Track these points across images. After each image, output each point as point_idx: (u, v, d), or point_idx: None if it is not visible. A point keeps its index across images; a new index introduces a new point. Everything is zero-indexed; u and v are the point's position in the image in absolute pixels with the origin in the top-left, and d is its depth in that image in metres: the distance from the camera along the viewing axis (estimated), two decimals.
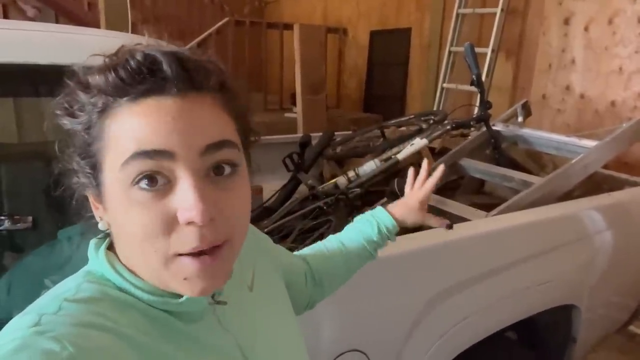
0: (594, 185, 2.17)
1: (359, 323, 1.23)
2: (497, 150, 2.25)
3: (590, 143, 2.07)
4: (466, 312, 1.42)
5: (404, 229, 1.02)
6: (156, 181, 0.46)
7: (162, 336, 0.50)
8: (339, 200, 1.78)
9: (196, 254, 0.47)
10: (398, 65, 5.40)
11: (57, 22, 6.33)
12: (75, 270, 0.54)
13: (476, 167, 2.10)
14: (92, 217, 0.54)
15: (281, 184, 2.13)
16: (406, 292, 1.30)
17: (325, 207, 1.74)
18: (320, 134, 2.45)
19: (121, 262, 0.52)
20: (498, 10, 3.82)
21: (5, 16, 5.96)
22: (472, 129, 2.37)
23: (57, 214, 1.06)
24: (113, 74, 0.46)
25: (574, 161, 1.89)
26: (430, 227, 1.07)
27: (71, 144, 0.50)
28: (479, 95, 2.27)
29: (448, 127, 2.15)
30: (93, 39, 1.07)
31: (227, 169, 0.49)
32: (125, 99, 0.46)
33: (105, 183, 0.48)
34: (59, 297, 0.47)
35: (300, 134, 2.89)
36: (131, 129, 0.46)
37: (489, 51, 3.82)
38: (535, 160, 2.50)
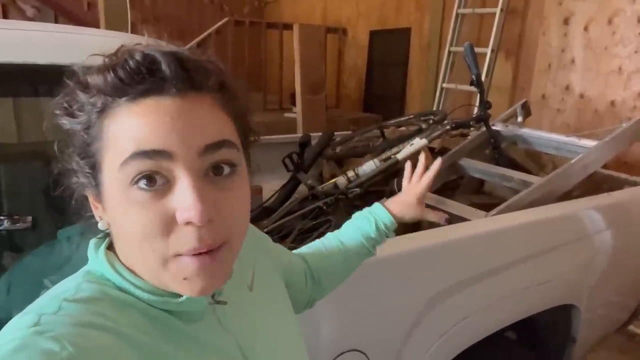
0: (593, 185, 2.17)
1: (359, 323, 1.23)
2: (497, 150, 2.25)
3: (590, 143, 2.07)
4: (466, 312, 1.42)
5: (405, 228, 1.02)
6: (155, 181, 0.46)
7: (162, 336, 0.50)
8: (339, 200, 1.78)
9: (196, 253, 0.47)
10: (398, 65, 5.41)
11: (56, 22, 6.33)
12: (75, 270, 0.54)
13: (476, 167, 2.10)
14: (92, 216, 0.54)
15: (281, 184, 2.13)
16: (406, 292, 1.30)
17: (324, 207, 1.74)
18: (320, 134, 2.44)
19: (121, 262, 0.52)
20: (498, 10, 3.82)
21: (5, 16, 5.96)
22: (472, 128, 2.36)
23: (57, 214, 1.06)
24: (112, 74, 0.46)
25: (573, 161, 1.89)
26: (429, 223, 1.07)
27: (70, 144, 0.51)
28: (478, 95, 2.27)
29: (448, 127, 2.15)
30: (92, 39, 1.07)
31: (226, 169, 0.49)
32: (124, 99, 0.46)
33: (105, 183, 0.48)
34: (58, 297, 0.47)
35: (299, 134, 2.88)
36: (130, 129, 0.46)
37: (488, 51, 3.82)
38: (535, 160, 2.50)
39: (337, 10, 6.26)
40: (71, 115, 0.49)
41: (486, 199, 2.29)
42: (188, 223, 0.46)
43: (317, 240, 0.96)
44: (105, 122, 0.47)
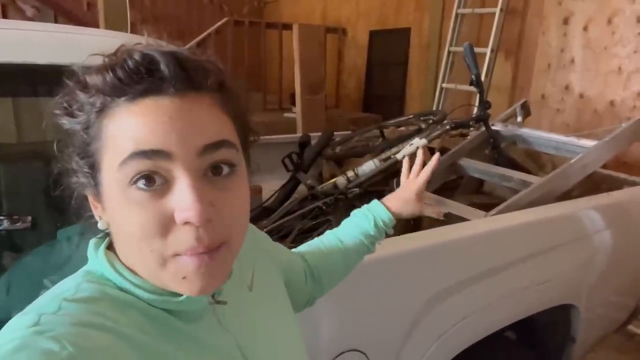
0: (592, 185, 2.17)
1: (359, 323, 1.23)
2: (496, 150, 2.25)
3: (589, 143, 2.07)
4: (465, 312, 1.42)
5: (405, 228, 1.02)
6: (154, 181, 0.46)
7: (162, 336, 0.50)
8: (338, 200, 1.78)
9: (194, 253, 0.47)
10: (397, 65, 5.41)
11: (56, 21, 6.34)
12: (75, 270, 0.54)
13: (475, 167, 2.10)
14: (92, 216, 0.54)
15: (280, 184, 2.13)
16: (405, 292, 1.31)
17: (324, 207, 1.74)
18: (320, 133, 2.45)
19: (121, 262, 0.52)
20: (497, 10, 3.82)
21: (4, 16, 5.96)
22: (472, 128, 2.36)
23: (57, 214, 1.06)
24: (111, 74, 0.46)
25: (573, 161, 1.89)
26: (429, 222, 1.07)
27: (70, 144, 0.51)
28: (478, 95, 2.27)
29: (447, 127, 2.15)
30: (92, 39, 1.07)
31: (225, 169, 0.49)
32: (123, 98, 0.46)
33: (104, 183, 0.48)
34: (58, 296, 0.47)
35: (299, 134, 2.88)
36: (129, 128, 0.46)
37: (488, 51, 3.82)
38: (534, 160, 2.51)
39: (337, 10, 6.26)
40: (71, 115, 0.49)
41: (486, 198, 2.30)
42: (186, 223, 0.46)
43: (316, 239, 0.96)
44: (104, 121, 0.47)
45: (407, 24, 5.22)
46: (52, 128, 0.51)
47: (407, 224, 1.78)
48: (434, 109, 4.22)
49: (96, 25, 4.95)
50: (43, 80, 0.91)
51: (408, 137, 2.16)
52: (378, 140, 2.43)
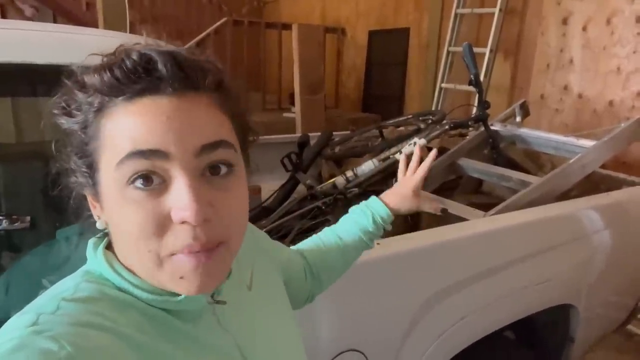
0: (592, 185, 2.18)
1: (357, 323, 1.23)
2: (496, 150, 2.25)
3: (589, 143, 2.07)
4: (464, 312, 1.42)
5: (404, 227, 1.02)
6: (151, 181, 0.46)
7: (161, 335, 0.50)
8: (338, 200, 1.78)
9: (191, 251, 0.47)
10: (396, 65, 5.41)
11: (55, 21, 6.34)
12: (74, 270, 0.54)
13: (474, 167, 2.10)
14: (90, 216, 0.54)
15: (279, 184, 2.13)
16: (404, 292, 1.31)
17: (323, 207, 1.74)
18: (319, 133, 2.45)
19: (119, 262, 0.52)
20: (496, 10, 3.82)
21: (3, 16, 5.96)
22: (471, 128, 2.37)
23: (55, 214, 1.06)
24: (109, 74, 0.46)
25: (572, 161, 1.89)
26: (428, 220, 1.07)
27: (68, 144, 0.51)
28: (477, 95, 2.27)
29: (446, 127, 2.15)
30: (91, 38, 1.07)
31: (223, 169, 0.49)
32: (120, 98, 0.46)
33: (102, 182, 0.48)
34: (57, 296, 0.47)
35: (298, 134, 2.88)
36: (127, 128, 0.46)
37: (487, 51, 3.82)
38: (534, 160, 2.51)
39: (336, 10, 6.26)
40: (69, 114, 0.49)
41: (485, 198, 2.30)
42: (183, 222, 0.46)
43: (314, 236, 0.96)
44: (102, 121, 0.47)
45: (407, 24, 5.22)
46: (50, 128, 0.51)
47: (406, 222, 1.78)
48: (433, 109, 4.22)
49: (95, 25, 4.95)
50: (42, 80, 0.91)
51: (407, 137, 2.16)
52: (377, 140, 2.43)
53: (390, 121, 2.61)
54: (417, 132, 2.25)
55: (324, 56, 5.30)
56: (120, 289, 0.50)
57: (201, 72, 0.49)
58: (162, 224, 0.46)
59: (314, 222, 1.67)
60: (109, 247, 0.54)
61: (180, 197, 0.45)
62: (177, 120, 0.46)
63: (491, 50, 3.83)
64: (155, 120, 0.46)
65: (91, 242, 0.54)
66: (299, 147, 2.27)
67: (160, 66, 0.46)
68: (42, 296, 0.48)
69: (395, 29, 5.37)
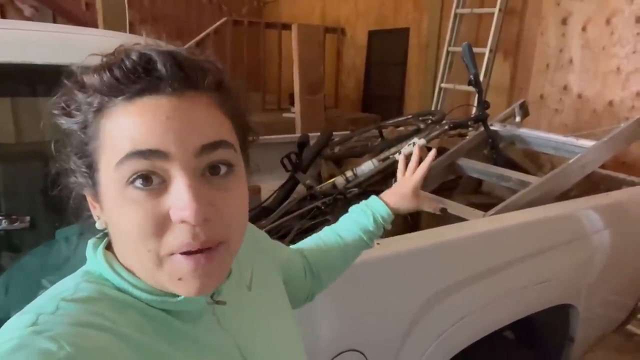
0: (591, 185, 2.18)
1: (357, 323, 1.23)
2: (495, 150, 2.26)
3: (588, 143, 2.07)
4: (464, 312, 1.42)
5: (404, 227, 1.02)
6: (151, 181, 0.46)
7: (161, 336, 0.50)
8: (337, 200, 1.78)
9: (190, 253, 0.47)
10: (396, 65, 5.41)
11: (54, 21, 6.33)
12: (74, 270, 0.54)
13: (474, 167, 2.10)
14: (90, 216, 0.54)
15: (279, 184, 2.13)
16: (404, 292, 1.31)
17: (323, 207, 1.74)
18: (319, 134, 2.45)
19: (119, 262, 0.52)
20: (496, 11, 3.82)
21: (3, 16, 5.96)
22: (470, 128, 2.37)
23: (55, 214, 1.06)
24: (108, 74, 0.46)
25: (571, 161, 1.89)
26: (428, 219, 1.07)
27: (68, 144, 0.51)
28: (476, 95, 2.27)
29: (446, 127, 2.15)
30: (91, 38, 1.07)
31: (223, 169, 0.49)
32: (120, 98, 0.46)
33: (102, 182, 0.48)
34: (56, 296, 0.47)
35: (298, 134, 2.88)
36: (126, 128, 0.46)
37: (486, 51, 3.82)
38: (533, 160, 2.51)
39: (336, 10, 6.26)
40: (68, 115, 0.49)
41: (484, 198, 2.30)
42: (183, 222, 0.46)
43: (314, 235, 0.97)
44: (101, 121, 0.47)
45: (406, 24, 5.22)
46: (50, 128, 0.51)
47: (406, 222, 1.78)
48: (433, 109, 4.23)
49: (95, 25, 4.94)
50: (41, 80, 0.91)
51: (407, 137, 2.16)
52: (377, 141, 2.43)
53: (390, 121, 2.61)
54: (417, 132, 2.25)
55: (323, 56, 5.30)
56: (119, 289, 0.50)
57: (201, 72, 0.49)
58: (162, 224, 0.46)
59: (313, 222, 1.67)
60: (108, 247, 0.54)
61: (180, 197, 0.45)
62: (177, 120, 0.46)
63: (491, 50, 3.84)
64: (154, 120, 0.45)
65: (91, 242, 0.54)
66: (298, 147, 2.27)
67: (159, 66, 0.46)
68: (42, 296, 0.48)
69: (394, 29, 5.37)
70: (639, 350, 2.59)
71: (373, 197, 0.99)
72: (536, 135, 2.32)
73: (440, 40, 4.67)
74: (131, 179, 0.45)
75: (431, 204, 1.04)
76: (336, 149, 2.45)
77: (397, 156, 1.96)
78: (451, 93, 4.29)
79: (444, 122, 2.24)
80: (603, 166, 2.18)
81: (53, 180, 0.53)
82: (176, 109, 0.46)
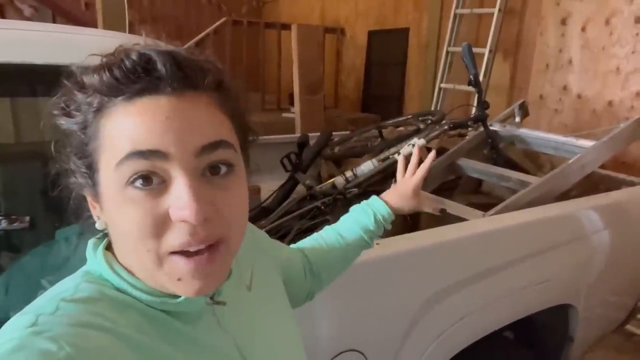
0: (591, 185, 2.18)
1: (357, 323, 1.23)
2: (495, 150, 2.26)
3: (588, 143, 2.07)
4: (464, 312, 1.42)
5: (403, 227, 1.02)
6: (151, 181, 0.46)
7: (161, 336, 0.50)
8: (337, 200, 1.78)
9: (191, 254, 0.47)
10: (396, 65, 5.41)
11: (54, 21, 6.33)
12: (73, 271, 0.54)
13: (474, 167, 2.10)
14: (90, 217, 0.54)
15: (279, 184, 2.13)
16: (404, 292, 1.31)
17: (322, 207, 1.74)
18: (318, 134, 2.45)
19: (119, 262, 0.52)
20: (495, 11, 3.82)
21: (2, 16, 5.95)
22: (470, 129, 2.37)
23: (55, 214, 1.06)
24: (108, 74, 0.46)
25: (571, 161, 1.90)
26: (427, 220, 1.07)
27: (68, 144, 0.50)
28: (476, 96, 2.27)
29: (446, 127, 2.15)
30: (90, 39, 1.07)
31: (224, 169, 0.49)
32: (120, 98, 0.46)
33: (101, 183, 0.48)
34: (56, 297, 0.47)
35: (298, 134, 2.88)
36: (126, 128, 0.46)
37: (486, 51, 3.82)
38: (533, 160, 2.51)
39: (336, 10, 6.26)
40: (68, 115, 0.49)
41: (484, 199, 2.30)
42: (183, 221, 0.46)
43: (315, 234, 0.97)
44: (101, 121, 0.47)
45: (406, 24, 5.22)
46: (50, 128, 0.51)
47: (405, 222, 1.78)
48: (433, 109, 4.23)
49: (94, 25, 4.93)
50: (41, 80, 0.91)
51: (407, 137, 2.16)
52: (377, 141, 2.43)
53: (390, 121, 2.61)
54: (417, 132, 2.25)
55: (323, 56, 5.30)
56: (119, 290, 0.50)
57: (200, 72, 0.49)
58: (162, 223, 0.46)
59: (313, 222, 1.67)
60: (108, 247, 0.54)
61: (180, 197, 0.45)
62: (177, 120, 0.46)
63: (490, 51, 3.84)
64: (154, 120, 0.45)
65: (91, 242, 0.54)
66: (298, 147, 2.27)
67: (159, 66, 0.46)
68: (42, 297, 0.48)
69: (394, 29, 5.37)
70: (638, 350, 2.59)
71: (374, 197, 1.00)
72: (536, 135, 2.32)
73: (440, 40, 4.67)
74: (131, 179, 0.45)
75: (431, 204, 1.05)
76: (336, 149, 2.45)
77: (396, 156, 1.96)
78: (451, 93, 4.29)
79: (443, 122, 2.24)
80: (603, 166, 2.18)
81: (53, 180, 0.53)
82: (176, 108, 0.46)
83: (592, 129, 3.12)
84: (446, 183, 2.25)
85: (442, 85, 4.30)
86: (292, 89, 4.99)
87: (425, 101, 4.79)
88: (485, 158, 2.27)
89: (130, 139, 0.45)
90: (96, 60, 0.49)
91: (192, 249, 0.47)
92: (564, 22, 3.55)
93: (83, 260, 0.54)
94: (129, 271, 0.51)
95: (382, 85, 5.72)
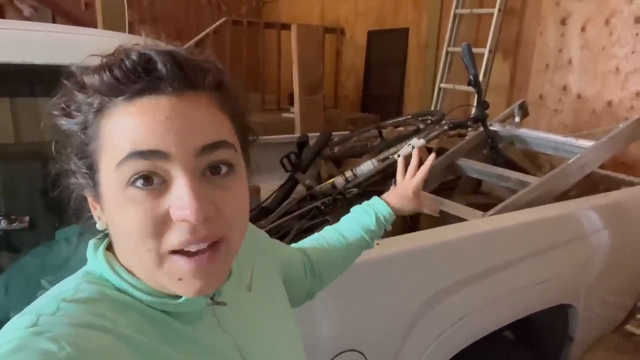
0: (590, 185, 2.18)
1: (357, 323, 1.23)
2: (494, 150, 2.26)
3: (587, 143, 2.07)
4: (463, 312, 1.42)
5: (403, 226, 1.02)
6: (152, 181, 0.46)
7: (161, 337, 0.50)
8: (337, 201, 1.78)
9: (191, 254, 0.47)
10: (395, 65, 5.40)
11: (54, 21, 6.33)
12: (74, 271, 0.54)
13: (473, 167, 2.11)
14: (91, 217, 0.54)
15: (279, 184, 2.13)
16: (404, 292, 1.31)
17: (322, 207, 1.74)
18: (318, 134, 2.45)
19: (120, 263, 0.52)
20: (495, 11, 3.82)
21: (2, 16, 5.95)
22: (470, 129, 2.37)
23: (55, 214, 1.06)
24: (108, 74, 0.46)
25: (570, 161, 1.90)
26: (427, 220, 1.07)
27: (68, 144, 0.50)
28: (476, 96, 2.27)
29: (445, 127, 2.15)
30: (90, 39, 1.07)
31: (224, 169, 0.49)
32: (120, 98, 0.46)
33: (102, 183, 0.48)
34: (57, 297, 0.47)
35: (297, 134, 2.89)
36: (126, 128, 0.46)
37: (486, 51, 3.82)
38: (532, 160, 2.51)
39: (335, 10, 6.26)
40: (68, 115, 0.49)
41: (484, 199, 2.30)
42: (184, 220, 0.46)
43: (316, 234, 0.97)
44: (102, 122, 0.47)
45: (406, 24, 5.22)
46: (50, 128, 0.51)
47: (405, 222, 1.78)
48: (432, 109, 4.23)
49: (94, 25, 4.93)
50: (41, 80, 0.91)
51: (406, 137, 2.16)
52: (376, 141, 2.43)
53: (390, 121, 2.61)
54: (416, 132, 2.25)
55: (323, 56, 5.29)
56: (120, 290, 0.50)
57: (200, 72, 0.49)
58: (162, 223, 0.46)
59: (313, 223, 1.67)
60: (109, 248, 0.54)
61: (180, 197, 0.45)
62: (177, 120, 0.46)
63: (490, 51, 3.84)
64: (155, 120, 0.45)
65: (91, 243, 0.54)
66: (298, 147, 2.27)
67: (159, 66, 0.46)
68: (42, 297, 0.48)
69: (394, 29, 5.37)
70: (638, 350, 2.59)
71: (375, 198, 1.00)
72: (535, 135, 2.32)
73: (439, 40, 4.67)
74: (132, 180, 0.45)
75: (431, 205, 1.05)
76: (335, 149, 2.45)
77: (396, 157, 1.96)
78: (451, 93, 4.29)
79: (443, 122, 2.24)
80: (602, 166, 2.19)
81: (53, 181, 0.53)
82: (176, 108, 0.46)
83: (591, 129, 3.13)
84: (446, 183, 2.25)
85: (442, 85, 4.30)
86: (292, 89, 4.99)
87: (424, 101, 4.79)
88: (484, 158, 2.28)
89: (130, 139, 0.45)
90: (96, 61, 0.49)
91: (192, 249, 0.47)
92: (563, 22, 3.55)
93: (83, 261, 0.54)
94: (129, 272, 0.51)
95: (381, 85, 5.72)
